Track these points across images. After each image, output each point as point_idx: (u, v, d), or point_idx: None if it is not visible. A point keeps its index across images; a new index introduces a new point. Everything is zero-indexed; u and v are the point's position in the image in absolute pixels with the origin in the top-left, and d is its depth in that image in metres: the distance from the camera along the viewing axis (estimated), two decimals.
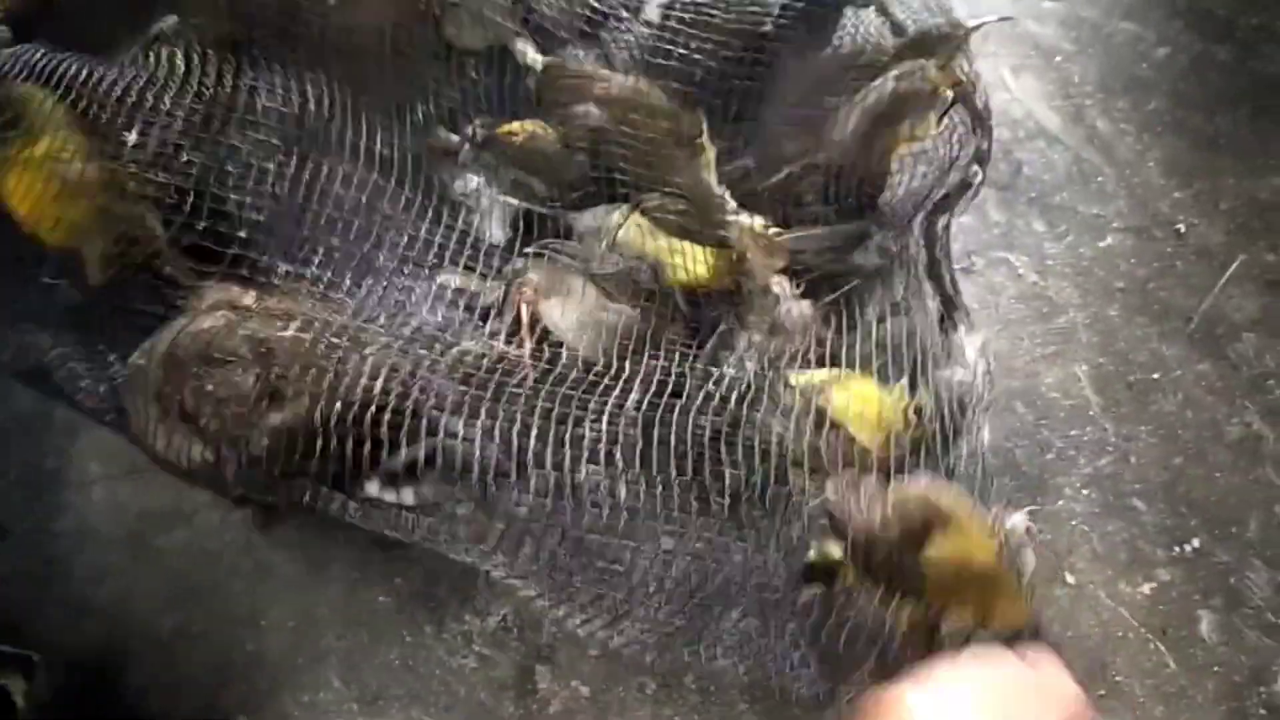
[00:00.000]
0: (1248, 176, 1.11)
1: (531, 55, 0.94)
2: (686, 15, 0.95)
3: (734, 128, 0.97)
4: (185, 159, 0.82)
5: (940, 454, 0.78)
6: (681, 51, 0.95)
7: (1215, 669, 0.85)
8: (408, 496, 0.81)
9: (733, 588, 0.81)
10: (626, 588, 0.82)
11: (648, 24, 0.97)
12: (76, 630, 0.77)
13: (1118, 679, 0.84)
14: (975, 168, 0.91)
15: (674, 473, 0.80)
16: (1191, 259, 1.05)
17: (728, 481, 0.79)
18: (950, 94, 0.92)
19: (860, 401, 0.79)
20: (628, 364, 0.83)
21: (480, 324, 0.87)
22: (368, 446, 0.77)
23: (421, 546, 0.78)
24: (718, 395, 0.79)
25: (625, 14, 0.99)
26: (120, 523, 0.76)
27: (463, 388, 0.83)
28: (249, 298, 0.81)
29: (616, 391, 0.82)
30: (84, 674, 0.77)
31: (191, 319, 0.78)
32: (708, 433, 0.78)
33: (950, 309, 0.90)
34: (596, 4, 0.98)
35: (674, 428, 0.78)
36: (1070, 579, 0.87)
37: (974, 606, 0.61)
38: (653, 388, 0.81)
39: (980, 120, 0.92)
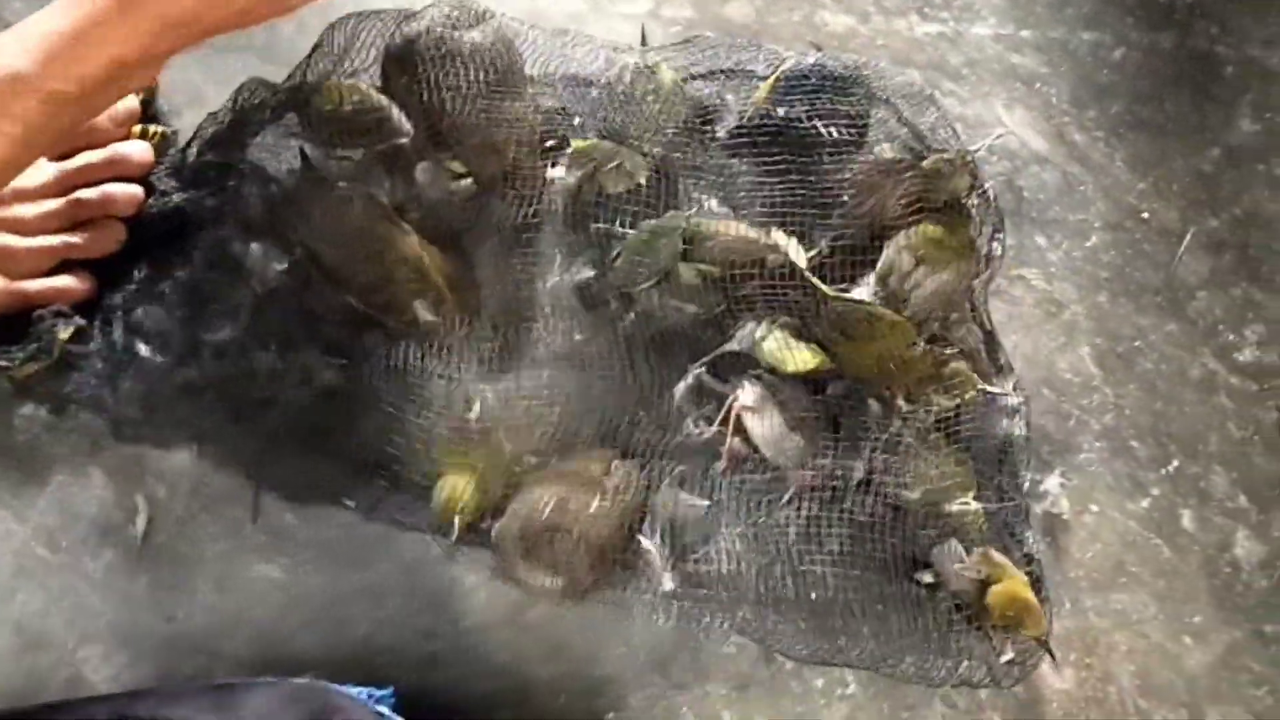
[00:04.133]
0: (1193, 154, 1.45)
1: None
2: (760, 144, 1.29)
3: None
4: None
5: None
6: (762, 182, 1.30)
7: (1195, 548, 1.30)
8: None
9: None
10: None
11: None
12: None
13: (1132, 569, 1.29)
14: (995, 245, 1.28)
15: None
16: (1155, 239, 1.42)
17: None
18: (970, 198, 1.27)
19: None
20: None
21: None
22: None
23: None
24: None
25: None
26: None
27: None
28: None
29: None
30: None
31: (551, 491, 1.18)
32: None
33: (992, 348, 1.30)
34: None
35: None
36: (1094, 508, 1.30)
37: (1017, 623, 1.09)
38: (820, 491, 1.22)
39: (996, 212, 1.28)
